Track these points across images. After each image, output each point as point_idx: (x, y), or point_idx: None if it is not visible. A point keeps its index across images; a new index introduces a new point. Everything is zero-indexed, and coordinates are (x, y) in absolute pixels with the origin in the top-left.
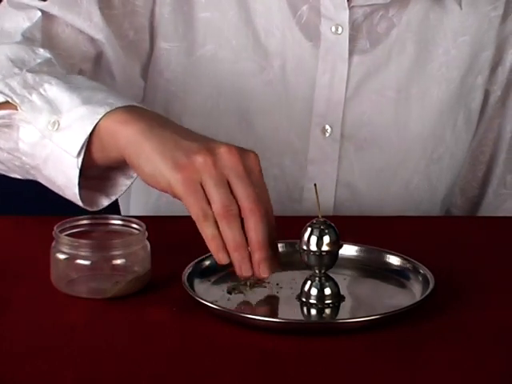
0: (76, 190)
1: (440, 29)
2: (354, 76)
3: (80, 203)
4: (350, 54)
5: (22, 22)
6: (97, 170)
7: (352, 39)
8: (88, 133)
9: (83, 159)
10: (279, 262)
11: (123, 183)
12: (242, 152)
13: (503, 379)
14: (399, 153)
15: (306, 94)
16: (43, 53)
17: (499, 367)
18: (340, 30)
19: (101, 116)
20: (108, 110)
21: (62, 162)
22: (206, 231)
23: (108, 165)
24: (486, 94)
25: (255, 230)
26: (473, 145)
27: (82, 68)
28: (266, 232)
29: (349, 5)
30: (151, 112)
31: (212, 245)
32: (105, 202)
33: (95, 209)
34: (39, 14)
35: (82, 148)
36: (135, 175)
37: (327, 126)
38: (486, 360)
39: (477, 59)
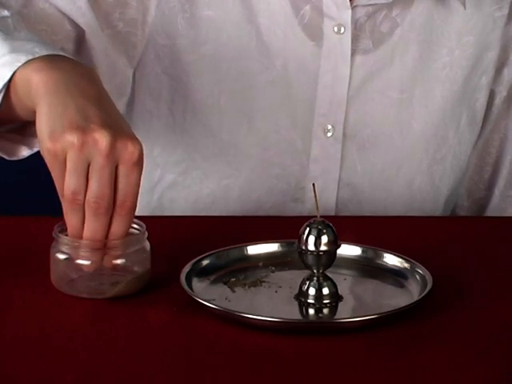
0: None
1: (444, 29)
2: (356, 76)
3: None
4: (353, 53)
5: None
6: (20, 123)
7: (355, 39)
8: (5, 80)
9: (4, 108)
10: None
11: None
12: (116, 141)
13: (503, 379)
14: (402, 153)
15: (309, 93)
16: (2, 12)
17: (499, 367)
18: (342, 29)
19: (21, 64)
20: (30, 58)
21: None
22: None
23: (28, 115)
24: (492, 95)
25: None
26: (479, 146)
27: (65, 47)
28: (96, 227)
29: (351, 4)
30: (74, 64)
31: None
32: (25, 153)
33: (14, 158)
34: None
35: None
36: None
37: (329, 126)
38: (486, 360)
39: (481, 59)
